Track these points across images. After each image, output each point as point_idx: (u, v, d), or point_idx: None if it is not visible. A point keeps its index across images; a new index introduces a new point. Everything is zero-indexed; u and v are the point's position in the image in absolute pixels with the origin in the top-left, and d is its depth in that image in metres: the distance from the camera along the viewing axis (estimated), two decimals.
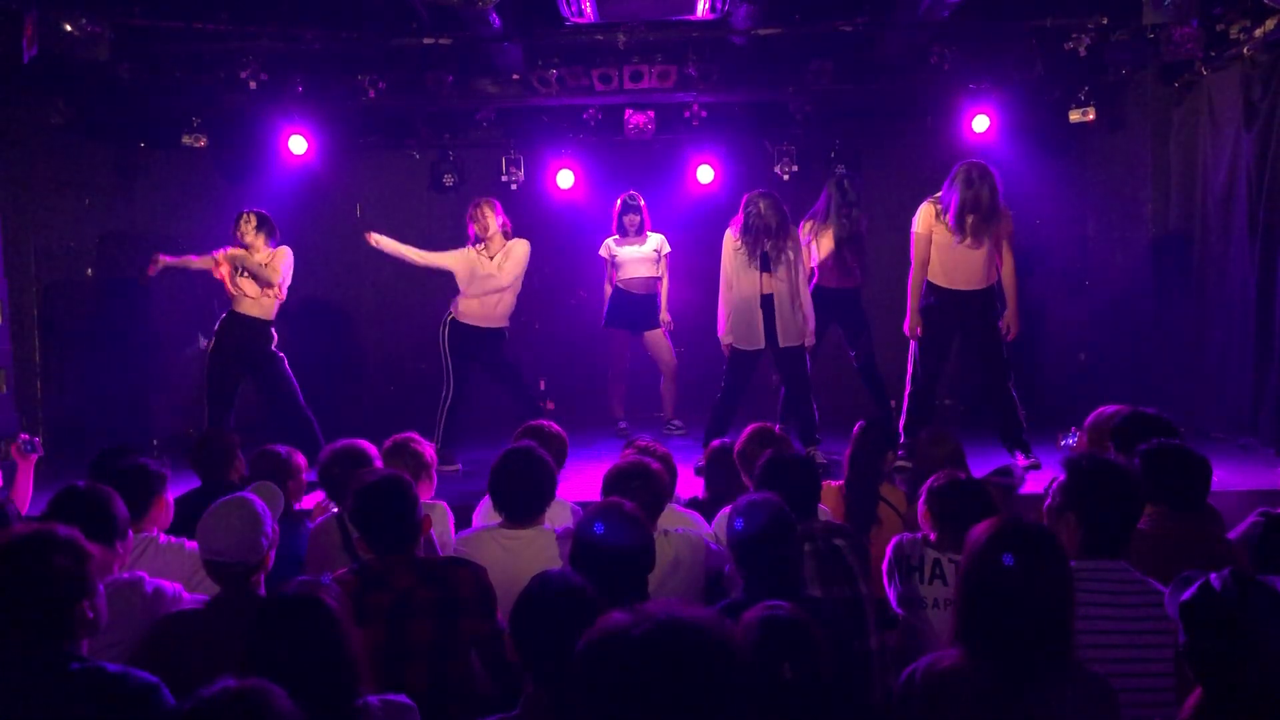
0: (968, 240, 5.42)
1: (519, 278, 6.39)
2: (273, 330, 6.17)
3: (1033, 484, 5.15)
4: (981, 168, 5.40)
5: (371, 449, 3.98)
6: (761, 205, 5.83)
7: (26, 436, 4.26)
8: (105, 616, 2.24)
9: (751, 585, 2.65)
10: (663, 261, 7.13)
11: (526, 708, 2.12)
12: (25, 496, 4.15)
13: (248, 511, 2.78)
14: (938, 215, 5.50)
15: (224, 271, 6.10)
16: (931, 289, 5.60)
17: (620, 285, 7.12)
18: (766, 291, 5.86)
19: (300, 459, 4.11)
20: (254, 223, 6.19)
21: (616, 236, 7.16)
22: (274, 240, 6.23)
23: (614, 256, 7.15)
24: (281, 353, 6.19)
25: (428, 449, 4.02)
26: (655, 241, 7.13)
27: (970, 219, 5.38)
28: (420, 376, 8.59)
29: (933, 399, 5.81)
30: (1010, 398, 5.62)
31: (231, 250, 6.11)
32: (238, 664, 1.98)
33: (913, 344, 5.70)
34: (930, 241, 5.53)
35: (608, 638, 1.46)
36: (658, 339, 7.13)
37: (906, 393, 5.76)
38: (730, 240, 5.93)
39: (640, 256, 7.09)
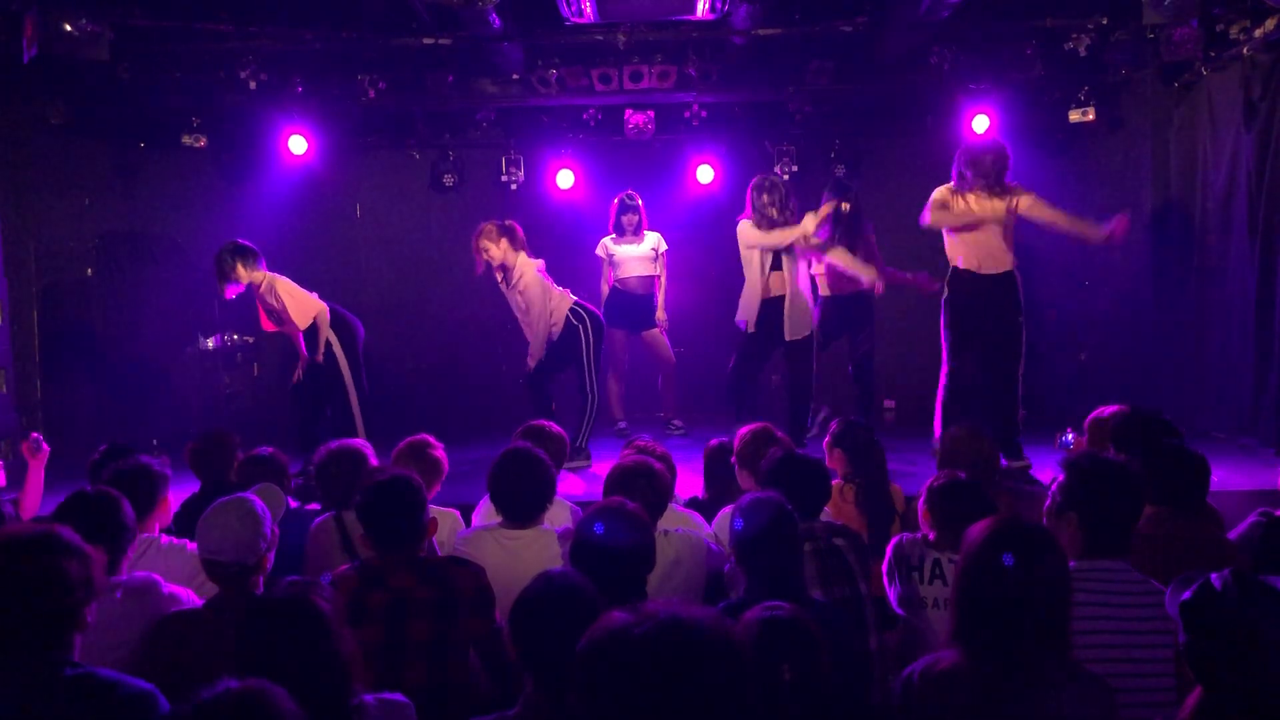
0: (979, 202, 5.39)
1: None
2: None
3: None
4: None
5: (368, 449, 3.97)
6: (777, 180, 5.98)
7: (37, 435, 4.25)
8: (96, 618, 2.22)
9: (753, 585, 2.65)
10: (660, 260, 7.13)
11: (526, 707, 2.12)
12: (36, 496, 4.14)
13: (246, 512, 2.78)
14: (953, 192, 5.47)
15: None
16: (956, 276, 5.55)
17: (618, 285, 7.12)
18: (777, 294, 5.90)
19: (282, 459, 4.09)
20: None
21: (614, 236, 7.16)
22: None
23: (611, 256, 7.14)
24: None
25: (440, 452, 4.02)
26: (653, 240, 7.13)
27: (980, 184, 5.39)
28: (420, 376, 8.60)
29: (965, 392, 5.69)
30: (1013, 396, 5.56)
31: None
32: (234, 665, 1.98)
33: (944, 339, 5.65)
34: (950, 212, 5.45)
35: (608, 637, 1.46)
36: (656, 338, 7.13)
37: (941, 386, 5.67)
38: (748, 226, 5.94)
39: (638, 255, 7.09)
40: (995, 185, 5.37)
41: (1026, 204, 5.42)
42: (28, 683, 2.05)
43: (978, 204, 5.41)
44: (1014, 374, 5.56)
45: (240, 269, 5.79)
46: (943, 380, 5.71)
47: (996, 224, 5.42)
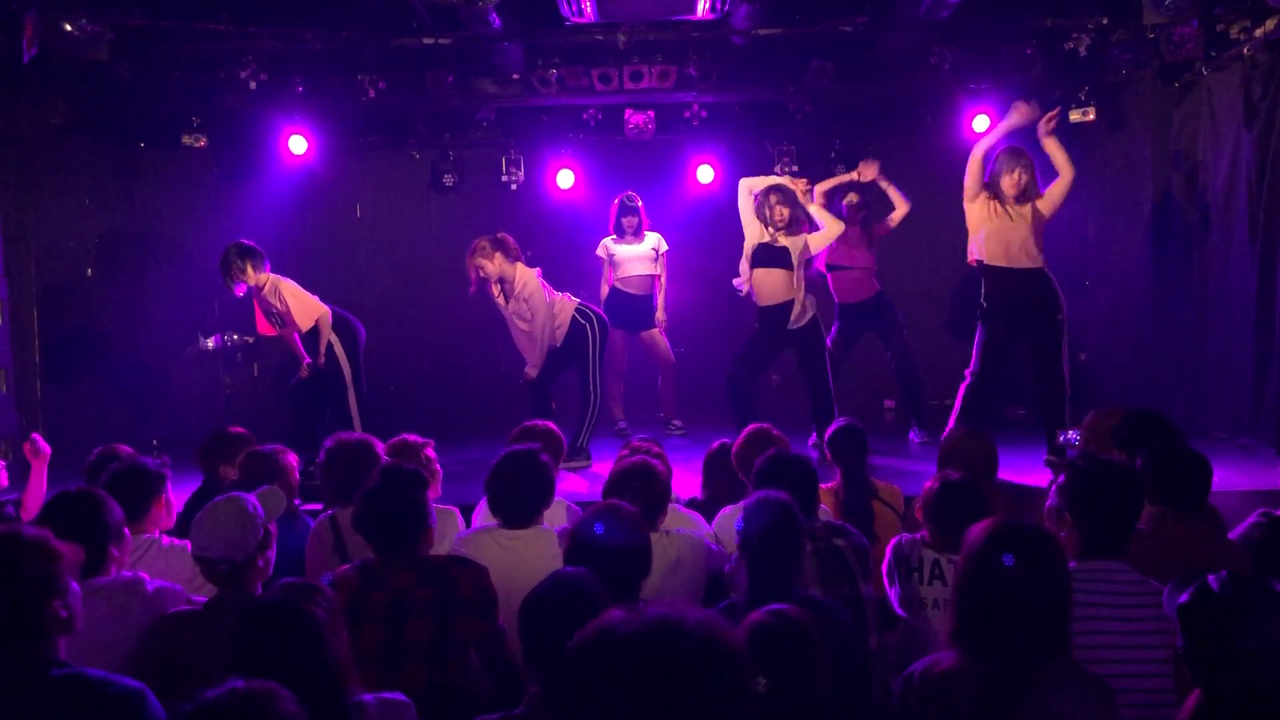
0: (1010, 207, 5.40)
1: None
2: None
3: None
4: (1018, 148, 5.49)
5: (379, 446, 3.95)
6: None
7: (37, 436, 4.24)
8: (80, 616, 2.20)
9: (753, 585, 2.65)
10: (660, 260, 7.13)
11: (530, 707, 2.12)
12: (38, 497, 4.12)
13: (236, 510, 2.78)
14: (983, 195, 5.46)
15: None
16: (987, 271, 5.49)
17: (618, 285, 7.12)
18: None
19: (291, 457, 4.07)
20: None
21: (614, 236, 7.16)
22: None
23: (612, 256, 7.14)
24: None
25: (428, 449, 4.01)
26: (653, 240, 7.13)
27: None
28: (420, 376, 8.60)
29: (987, 394, 5.53)
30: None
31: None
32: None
33: (978, 333, 5.58)
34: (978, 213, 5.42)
35: (596, 635, 1.46)
36: (656, 338, 7.13)
37: (964, 384, 5.54)
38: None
39: (638, 255, 7.09)
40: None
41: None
42: (12, 683, 2.04)
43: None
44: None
45: (249, 269, 5.77)
46: (966, 377, 5.63)
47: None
